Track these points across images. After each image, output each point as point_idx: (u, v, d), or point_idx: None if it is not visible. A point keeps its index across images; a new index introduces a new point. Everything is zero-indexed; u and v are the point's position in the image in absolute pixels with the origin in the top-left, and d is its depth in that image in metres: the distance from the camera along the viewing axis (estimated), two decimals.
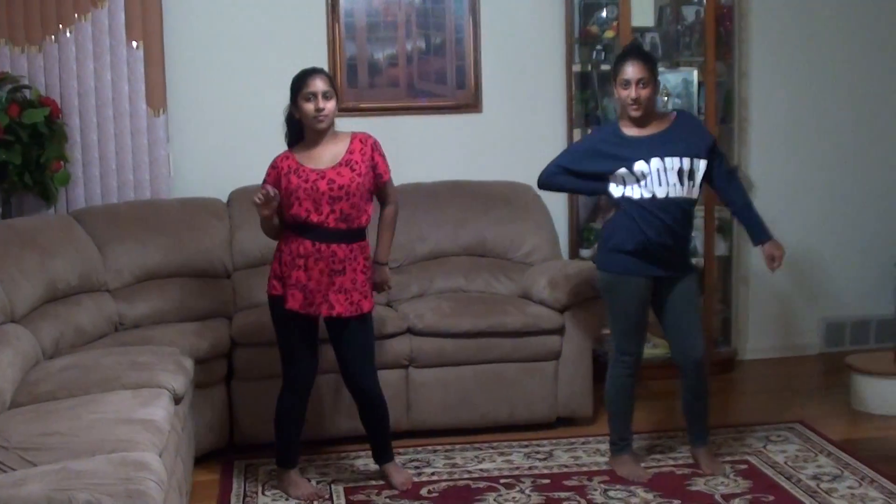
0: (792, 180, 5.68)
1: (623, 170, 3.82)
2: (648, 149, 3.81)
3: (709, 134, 4.00)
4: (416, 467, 4.16)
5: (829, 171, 5.72)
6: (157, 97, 4.96)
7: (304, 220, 3.72)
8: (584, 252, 5.40)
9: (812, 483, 3.95)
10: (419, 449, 4.36)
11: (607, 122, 4.65)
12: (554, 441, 4.47)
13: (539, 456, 4.31)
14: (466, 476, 4.10)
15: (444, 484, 4.02)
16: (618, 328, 4.00)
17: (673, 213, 3.82)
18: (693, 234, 4.28)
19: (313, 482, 4.05)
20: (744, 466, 4.13)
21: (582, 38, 5.42)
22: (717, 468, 4.07)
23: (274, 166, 3.82)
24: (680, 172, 3.80)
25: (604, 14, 5.33)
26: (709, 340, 5.05)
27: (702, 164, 3.85)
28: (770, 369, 5.58)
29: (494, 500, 3.86)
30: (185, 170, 5.13)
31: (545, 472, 4.13)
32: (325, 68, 5.13)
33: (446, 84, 5.37)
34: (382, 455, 4.03)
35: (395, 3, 5.27)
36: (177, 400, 3.66)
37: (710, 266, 5.34)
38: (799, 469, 4.10)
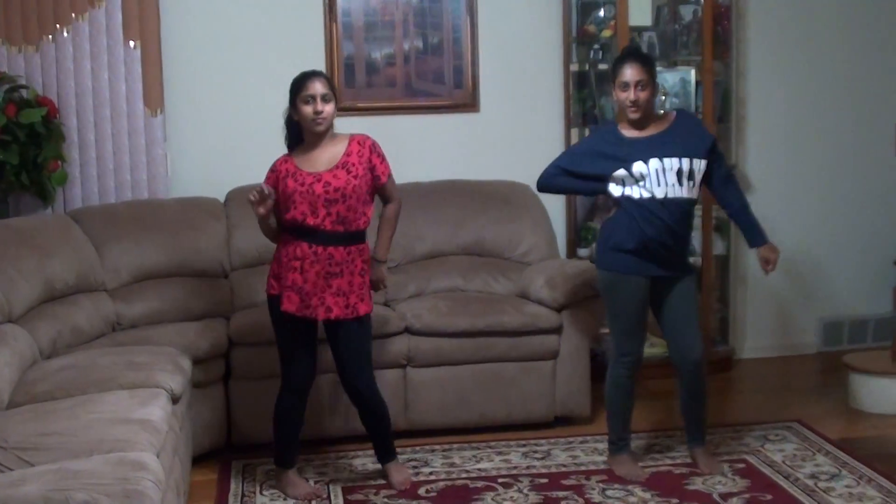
0: (790, 179, 5.69)
1: (622, 171, 3.82)
2: (647, 150, 3.82)
3: (709, 134, 3.99)
4: (414, 467, 4.16)
5: (827, 170, 5.73)
6: (154, 97, 4.96)
7: (301, 223, 3.71)
8: (582, 251, 5.40)
9: (810, 482, 3.95)
10: (417, 448, 4.36)
11: (606, 124, 4.65)
12: (552, 440, 4.47)
13: (537, 455, 4.31)
14: (464, 475, 4.10)
15: (442, 483, 4.02)
16: (617, 328, 4.00)
17: (672, 212, 3.82)
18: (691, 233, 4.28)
19: (311, 482, 4.05)
20: (742, 465, 4.13)
21: (579, 38, 5.42)
22: (714, 467, 4.07)
23: (273, 170, 3.83)
24: (679, 173, 3.80)
25: (601, 13, 5.33)
26: (707, 339, 5.06)
27: (702, 165, 3.85)
28: (768, 368, 5.58)
29: (492, 499, 3.86)
30: (183, 170, 5.13)
31: (543, 471, 4.13)
32: (323, 68, 5.17)
33: (444, 83, 5.37)
34: (384, 454, 4.03)
35: (392, 3, 5.27)
36: (174, 400, 3.66)
37: (707, 265, 5.34)
38: (797, 468, 4.10)
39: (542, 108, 5.43)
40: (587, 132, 5.46)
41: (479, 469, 4.16)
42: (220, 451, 4.37)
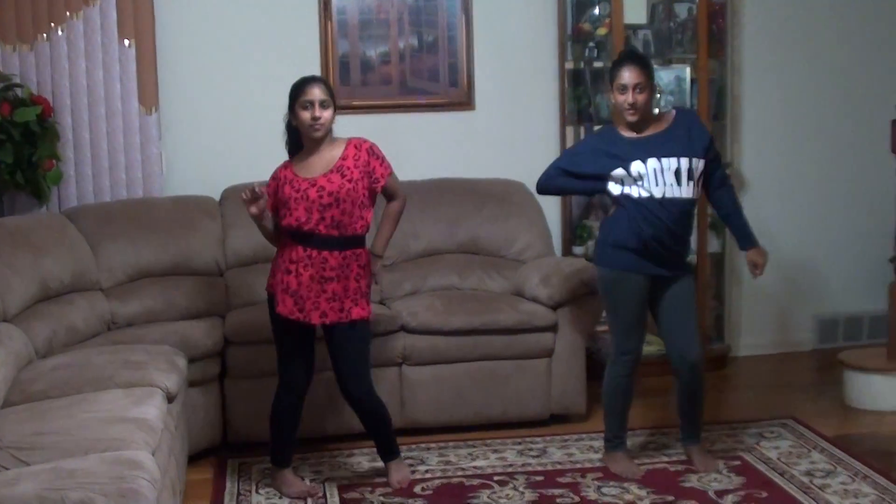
0: (785, 177, 5.70)
1: (620, 170, 3.83)
2: (645, 150, 3.82)
3: (707, 133, 3.99)
4: (410, 465, 4.16)
5: (823, 167, 5.74)
6: (149, 95, 4.95)
7: (297, 227, 3.72)
8: (578, 249, 5.41)
9: (805, 479, 3.96)
10: (413, 447, 4.35)
11: (604, 126, 4.64)
12: (547, 438, 4.47)
13: (532, 453, 4.31)
14: (460, 473, 4.10)
15: (437, 481, 4.02)
16: (617, 326, 4.00)
17: (671, 212, 3.82)
18: None
19: (307, 480, 4.05)
20: (737, 463, 4.14)
21: (574, 36, 5.42)
22: (710, 465, 4.08)
23: (274, 177, 3.83)
24: (678, 172, 3.80)
25: (596, 11, 5.33)
26: (702, 337, 5.05)
27: (701, 164, 3.86)
28: (763, 366, 5.59)
29: (488, 497, 3.87)
30: (178, 168, 5.12)
31: (539, 469, 4.13)
32: (318, 66, 5.17)
33: (439, 81, 5.37)
34: (385, 453, 4.03)
35: (387, 1, 5.27)
36: (170, 398, 3.65)
37: (703, 263, 5.34)
38: (792, 465, 4.10)
39: (537, 106, 5.43)
40: (582, 130, 5.47)
41: (474, 467, 4.16)
42: (215, 450, 4.37)
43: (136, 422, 3.22)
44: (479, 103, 5.40)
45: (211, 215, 4.90)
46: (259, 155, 4.86)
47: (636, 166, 3.81)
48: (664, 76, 5.22)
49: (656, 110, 4.57)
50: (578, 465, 4.15)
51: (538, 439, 4.46)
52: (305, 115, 3.72)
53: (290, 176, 3.76)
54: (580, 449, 4.34)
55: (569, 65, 5.43)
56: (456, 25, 5.33)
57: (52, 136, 4.79)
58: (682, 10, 5.38)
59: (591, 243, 5.33)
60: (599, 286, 4.09)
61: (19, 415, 3.33)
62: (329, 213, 3.70)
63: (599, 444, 4.25)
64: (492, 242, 5.08)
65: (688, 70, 5.26)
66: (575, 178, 3.97)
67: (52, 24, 4.85)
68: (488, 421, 4.57)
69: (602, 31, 5.28)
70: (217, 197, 5.00)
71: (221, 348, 4.36)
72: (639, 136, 3.87)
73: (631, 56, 3.95)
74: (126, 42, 4.91)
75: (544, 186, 4.09)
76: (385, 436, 4.00)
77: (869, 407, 4.76)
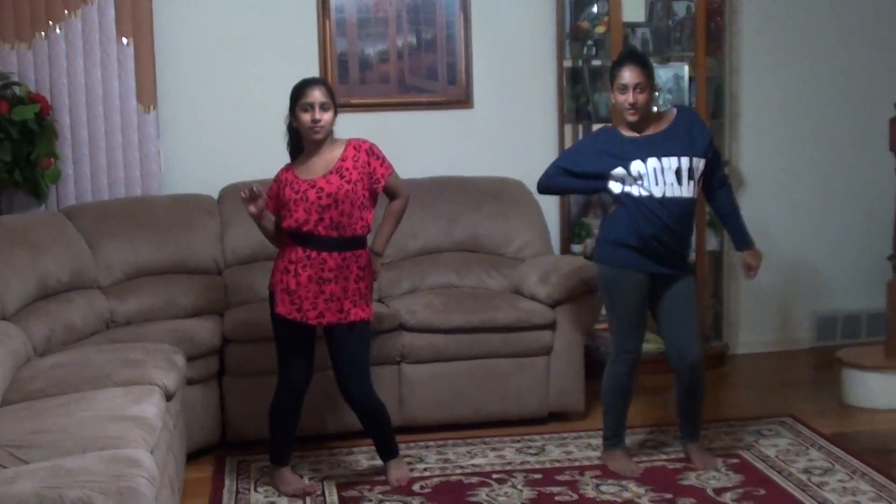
0: (783, 175, 5.70)
1: (620, 170, 3.83)
2: (646, 149, 3.82)
3: (708, 132, 3.98)
4: (409, 463, 4.16)
5: (821, 165, 5.74)
6: (147, 93, 4.95)
7: (297, 229, 3.72)
8: (576, 247, 5.41)
9: (803, 476, 3.96)
10: (411, 445, 4.36)
11: (605, 126, 4.63)
12: (546, 436, 4.48)
13: (531, 451, 4.31)
14: (459, 471, 4.10)
15: (436, 479, 4.03)
16: (617, 324, 4.00)
17: (672, 212, 3.81)
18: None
19: (306, 478, 4.05)
20: (735, 460, 4.14)
21: (573, 34, 5.42)
22: (708, 463, 4.08)
23: (276, 180, 3.84)
24: (678, 172, 3.80)
25: (595, 9, 5.33)
26: (700, 335, 5.06)
27: (702, 163, 3.86)
28: (761, 363, 5.59)
29: (487, 495, 3.87)
30: (176, 166, 5.12)
31: (537, 466, 4.13)
32: (316, 64, 5.17)
33: (437, 80, 5.37)
34: (384, 452, 4.03)
35: None
36: (168, 397, 3.65)
37: (701, 261, 5.35)
38: (790, 463, 4.11)
39: (535, 104, 5.43)
40: (581, 128, 5.47)
41: (473, 465, 4.17)
42: (214, 448, 4.37)
43: (134, 420, 3.22)
44: (477, 101, 5.39)
45: (209, 214, 4.90)
46: (257, 153, 4.87)
47: (636, 166, 3.81)
48: (662, 74, 5.22)
49: (655, 108, 4.58)
50: (577, 463, 4.16)
51: (537, 437, 4.46)
52: (306, 118, 3.71)
53: (291, 178, 3.77)
54: (579, 447, 4.34)
55: (567, 63, 5.43)
56: (454, 24, 5.33)
57: (51, 134, 4.79)
58: (680, 9, 5.39)
59: (589, 241, 5.33)
60: (599, 283, 4.09)
61: (18, 413, 3.33)
62: (328, 215, 3.70)
63: (598, 442, 4.25)
64: (490, 240, 5.08)
65: (686, 68, 5.26)
66: (575, 177, 3.98)
67: (51, 23, 4.85)
68: (487, 419, 4.57)
69: (600, 29, 5.28)
70: (215, 195, 5.00)
71: (220, 346, 4.36)
72: (639, 135, 3.88)
73: (631, 56, 3.95)
74: (124, 40, 4.91)
75: (545, 186, 4.09)
76: (384, 436, 4.00)
77: (867, 405, 4.76)
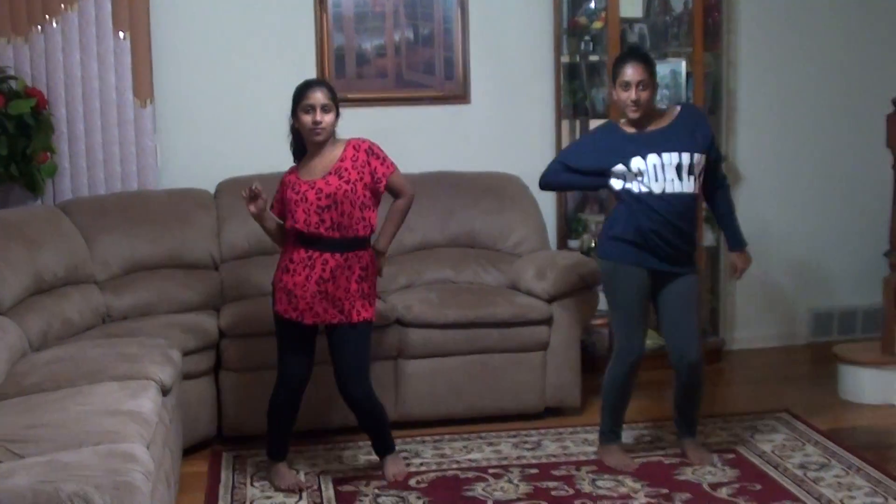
0: (780, 170, 5.70)
1: (620, 166, 3.83)
2: (646, 145, 3.82)
3: (711, 132, 3.97)
4: (405, 458, 4.16)
5: (818, 161, 5.74)
6: (143, 88, 4.94)
7: (298, 230, 3.73)
8: (573, 243, 5.41)
9: (799, 472, 3.97)
10: (408, 440, 4.36)
11: (606, 122, 4.63)
12: (542, 431, 4.48)
13: (527, 446, 4.31)
14: (455, 466, 4.10)
15: (432, 474, 4.03)
16: (618, 321, 3.99)
17: (673, 207, 3.81)
18: None
19: (302, 473, 4.05)
20: (731, 456, 4.14)
21: (570, 29, 5.41)
22: (704, 458, 4.08)
23: (281, 182, 3.84)
24: (678, 168, 3.80)
25: (592, 5, 5.32)
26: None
27: (703, 160, 3.85)
28: (758, 359, 5.60)
29: (483, 489, 3.87)
30: (173, 161, 5.11)
31: (533, 461, 4.14)
32: (313, 59, 5.16)
33: (434, 75, 5.36)
34: (381, 448, 4.03)
35: None
36: (164, 391, 3.65)
37: (698, 257, 5.33)
38: (786, 458, 4.11)
39: (532, 99, 5.42)
40: (578, 124, 5.47)
41: (469, 460, 4.17)
42: (210, 443, 4.37)
43: (130, 415, 3.22)
44: (474, 97, 5.39)
45: (206, 208, 4.89)
46: (254, 148, 4.87)
47: (636, 162, 3.81)
48: (660, 70, 5.18)
49: (656, 104, 4.57)
50: (573, 458, 4.16)
51: (533, 432, 4.47)
52: (307, 119, 3.71)
53: (294, 180, 3.77)
54: (575, 442, 4.35)
55: (564, 58, 5.42)
56: (452, 18, 5.32)
57: (47, 128, 4.78)
58: (677, 4, 5.38)
59: (586, 237, 5.33)
60: (601, 279, 4.09)
61: (13, 408, 3.33)
62: (328, 215, 3.70)
63: (594, 437, 4.26)
64: (487, 236, 5.08)
65: (683, 64, 5.25)
66: (577, 173, 3.98)
67: (47, 17, 4.84)
68: (483, 414, 4.58)
69: (598, 24, 5.27)
70: (212, 190, 4.99)
71: (216, 341, 4.36)
72: (639, 131, 3.87)
73: (634, 53, 3.95)
74: (121, 34, 4.90)
75: (547, 182, 4.09)
76: (381, 433, 4.00)
77: (863, 400, 4.77)
